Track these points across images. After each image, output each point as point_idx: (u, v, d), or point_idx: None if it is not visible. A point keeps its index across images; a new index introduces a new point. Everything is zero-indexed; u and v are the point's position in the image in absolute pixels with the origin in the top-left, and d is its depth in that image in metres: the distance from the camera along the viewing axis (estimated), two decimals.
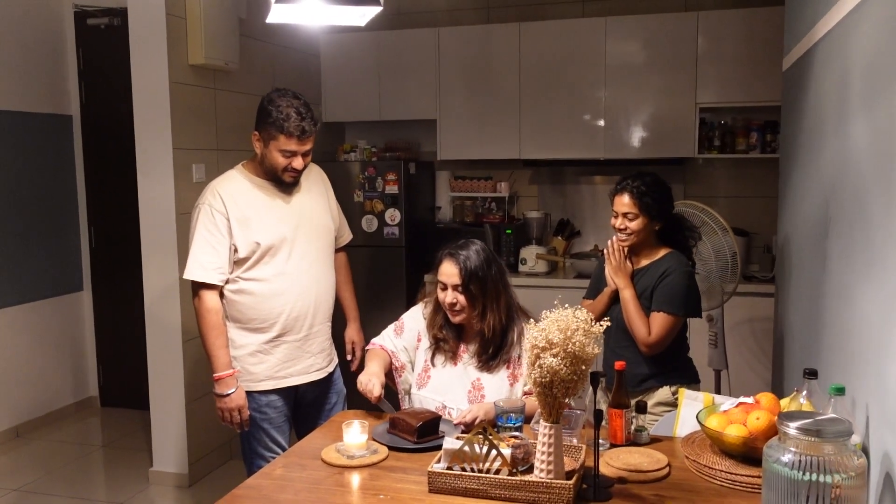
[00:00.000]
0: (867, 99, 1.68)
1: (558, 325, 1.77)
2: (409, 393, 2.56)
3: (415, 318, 2.61)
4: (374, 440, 2.20)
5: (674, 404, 2.61)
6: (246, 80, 4.32)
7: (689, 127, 4.58)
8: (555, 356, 1.75)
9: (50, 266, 4.91)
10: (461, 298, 2.40)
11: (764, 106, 4.49)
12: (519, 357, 2.45)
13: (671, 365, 2.72)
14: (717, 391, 3.46)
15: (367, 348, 2.63)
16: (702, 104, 4.57)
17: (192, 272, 2.60)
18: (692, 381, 2.75)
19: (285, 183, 2.67)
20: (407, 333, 2.58)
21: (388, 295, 4.85)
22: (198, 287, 2.60)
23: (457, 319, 2.45)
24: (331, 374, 2.87)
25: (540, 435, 1.83)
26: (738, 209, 4.74)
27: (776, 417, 1.87)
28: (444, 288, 2.43)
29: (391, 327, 2.62)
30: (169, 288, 3.83)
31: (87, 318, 5.17)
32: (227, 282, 2.64)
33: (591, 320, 1.80)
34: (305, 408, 2.85)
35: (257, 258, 2.63)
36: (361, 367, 2.62)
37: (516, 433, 2.11)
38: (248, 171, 2.69)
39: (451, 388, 2.47)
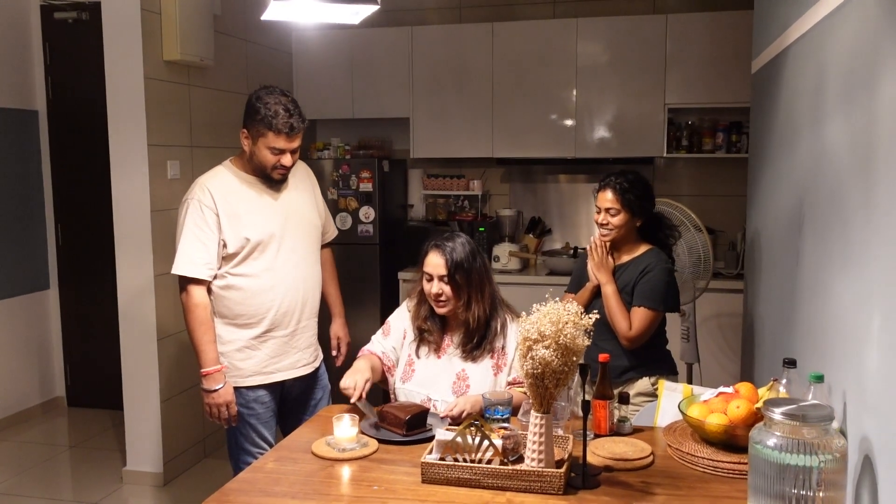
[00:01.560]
0: (844, 100, 1.76)
1: (550, 318, 1.82)
2: (393, 388, 2.59)
3: (400, 317, 2.64)
4: (363, 433, 2.23)
5: (653, 395, 2.69)
6: (219, 76, 4.30)
7: (657, 127, 4.69)
8: (547, 348, 1.80)
9: (15, 264, 4.81)
10: (446, 289, 2.44)
11: (730, 107, 4.62)
12: (503, 347, 2.50)
13: (651, 357, 2.79)
14: (689, 383, 3.56)
15: (357, 356, 2.61)
16: (670, 105, 4.68)
17: (181, 267, 2.59)
18: (671, 372, 2.84)
19: (274, 180, 2.67)
20: (394, 333, 2.61)
21: (362, 292, 4.87)
22: (186, 282, 2.59)
23: (442, 310, 2.48)
24: (316, 370, 2.89)
25: (531, 425, 1.88)
26: (703, 207, 4.83)
27: (756, 405, 1.96)
28: (430, 279, 2.47)
29: (378, 331, 2.66)
30: (143, 286, 3.79)
31: (53, 317, 5.08)
32: (214, 277, 2.63)
33: (581, 313, 1.85)
34: (291, 403, 2.86)
35: (246, 254, 2.63)
36: (346, 363, 2.64)
37: (505, 424, 2.16)
38: (237, 167, 2.69)
39: (436, 380, 2.50)
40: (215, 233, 2.59)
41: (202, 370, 2.61)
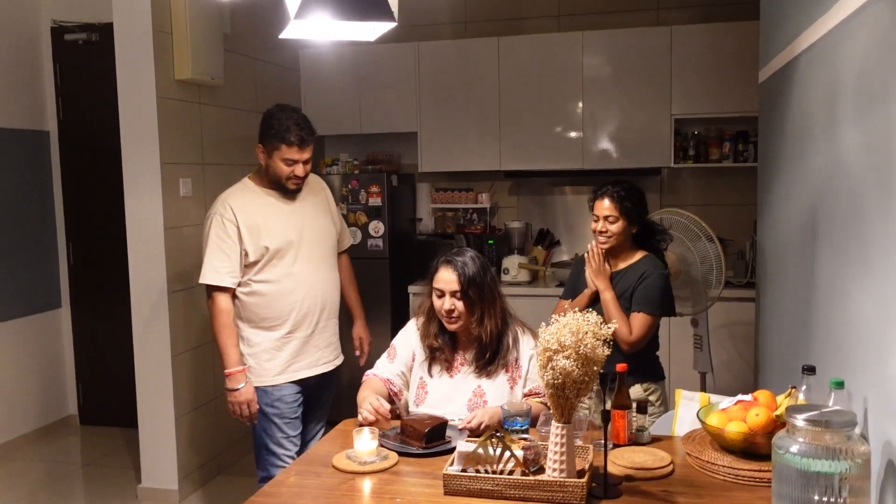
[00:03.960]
0: (860, 108, 1.78)
1: (570, 329, 1.83)
2: (408, 412, 2.58)
3: (407, 339, 2.63)
4: (383, 446, 2.24)
5: (645, 401, 2.73)
6: (229, 94, 4.33)
7: (664, 137, 4.71)
8: (567, 358, 1.81)
9: (28, 283, 4.84)
10: (459, 305, 2.44)
11: (736, 116, 4.65)
12: (517, 360, 2.51)
13: (643, 364, 2.87)
14: (704, 392, 3.56)
15: (362, 380, 2.63)
16: (676, 115, 4.70)
17: (207, 276, 2.82)
18: (660, 378, 2.95)
19: (289, 190, 2.91)
20: (401, 355, 2.60)
21: (373, 306, 4.85)
22: (211, 290, 2.83)
23: (453, 327, 2.47)
24: (337, 369, 3.12)
25: (552, 435, 1.89)
26: (711, 217, 4.81)
27: (776, 413, 1.96)
28: (441, 295, 2.46)
29: (384, 355, 2.65)
30: (157, 302, 3.81)
31: (65, 336, 5.11)
32: (239, 285, 2.86)
33: (601, 323, 1.87)
34: (309, 399, 3.05)
35: (266, 261, 2.86)
36: (369, 363, 2.78)
37: (525, 435, 2.17)
38: (254, 183, 2.94)
39: (451, 399, 2.50)
40: (237, 243, 2.82)
41: (226, 371, 2.83)
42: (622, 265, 2.89)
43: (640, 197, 2.87)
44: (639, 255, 2.88)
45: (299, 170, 2.85)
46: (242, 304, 2.88)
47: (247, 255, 2.83)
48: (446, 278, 2.45)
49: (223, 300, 2.83)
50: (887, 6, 1.58)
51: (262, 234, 2.83)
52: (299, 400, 2.97)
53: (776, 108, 2.88)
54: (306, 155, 2.85)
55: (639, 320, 2.79)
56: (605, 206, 2.82)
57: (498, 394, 2.48)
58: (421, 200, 5.45)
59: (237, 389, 2.82)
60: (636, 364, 2.78)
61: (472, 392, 2.49)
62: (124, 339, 4.00)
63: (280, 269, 2.87)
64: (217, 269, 2.81)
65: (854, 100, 1.83)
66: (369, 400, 2.39)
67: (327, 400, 3.16)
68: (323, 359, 3.03)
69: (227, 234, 2.81)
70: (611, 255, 2.89)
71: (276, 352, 2.90)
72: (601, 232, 2.84)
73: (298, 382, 2.96)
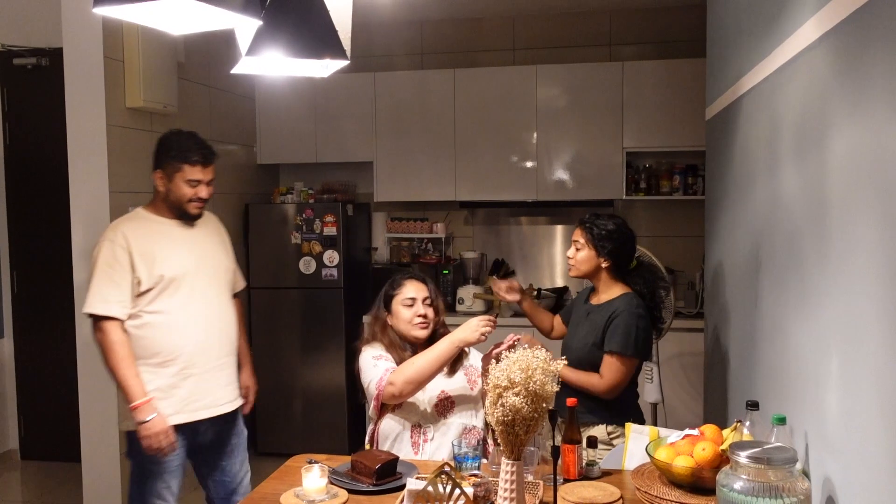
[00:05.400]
0: (797, 152, 1.84)
1: (519, 365, 1.84)
2: (376, 425, 2.58)
3: (384, 356, 2.58)
4: (333, 484, 2.21)
5: (609, 444, 2.65)
6: (183, 122, 4.27)
7: (616, 170, 4.80)
8: (517, 395, 1.82)
9: None
10: (430, 311, 2.61)
11: (686, 150, 4.76)
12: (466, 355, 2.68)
13: (608, 405, 2.71)
14: (654, 424, 3.60)
15: (389, 377, 2.46)
16: (628, 148, 4.80)
17: (94, 306, 2.61)
18: (633, 421, 2.68)
19: (190, 216, 2.80)
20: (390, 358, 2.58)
21: (327, 336, 4.84)
22: (100, 320, 2.62)
23: (425, 333, 2.60)
24: (235, 412, 2.93)
25: (502, 472, 1.89)
26: (662, 248, 4.95)
27: (721, 447, 1.99)
28: (411, 304, 2.59)
29: (380, 360, 2.53)
30: None
31: (7, 367, 4.94)
32: (129, 317, 2.66)
33: (549, 359, 1.88)
34: (205, 450, 2.89)
35: (161, 289, 2.68)
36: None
37: (475, 472, 2.16)
38: (150, 212, 2.82)
39: (421, 404, 2.54)
40: (128, 272, 2.64)
41: (131, 404, 2.61)
42: (603, 299, 2.79)
43: (616, 234, 2.74)
44: (618, 292, 2.77)
45: (203, 191, 2.76)
46: (133, 340, 2.65)
47: (139, 283, 2.64)
48: (417, 287, 2.63)
49: (115, 330, 2.60)
50: (823, 54, 1.64)
51: (157, 262, 2.67)
52: (186, 448, 2.79)
53: (721, 146, 2.96)
54: (209, 175, 2.78)
55: (610, 365, 2.63)
56: (576, 232, 2.82)
57: (461, 389, 2.59)
58: (376, 230, 5.44)
59: (148, 421, 2.59)
60: (602, 402, 2.69)
61: (437, 398, 2.55)
62: (69, 371, 3.88)
63: (175, 299, 2.70)
64: (105, 297, 2.60)
65: (792, 142, 1.89)
66: (476, 320, 2.46)
67: (240, 443, 2.97)
68: (224, 398, 2.84)
69: (118, 261, 2.62)
70: (594, 289, 2.86)
71: (172, 389, 2.69)
72: (569, 258, 2.85)
73: (195, 425, 2.77)
